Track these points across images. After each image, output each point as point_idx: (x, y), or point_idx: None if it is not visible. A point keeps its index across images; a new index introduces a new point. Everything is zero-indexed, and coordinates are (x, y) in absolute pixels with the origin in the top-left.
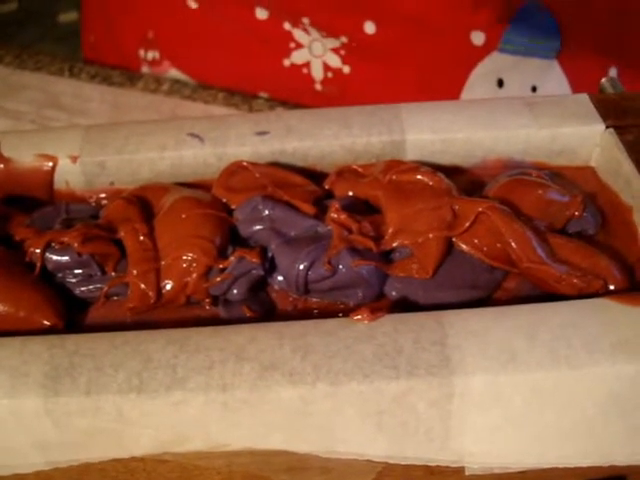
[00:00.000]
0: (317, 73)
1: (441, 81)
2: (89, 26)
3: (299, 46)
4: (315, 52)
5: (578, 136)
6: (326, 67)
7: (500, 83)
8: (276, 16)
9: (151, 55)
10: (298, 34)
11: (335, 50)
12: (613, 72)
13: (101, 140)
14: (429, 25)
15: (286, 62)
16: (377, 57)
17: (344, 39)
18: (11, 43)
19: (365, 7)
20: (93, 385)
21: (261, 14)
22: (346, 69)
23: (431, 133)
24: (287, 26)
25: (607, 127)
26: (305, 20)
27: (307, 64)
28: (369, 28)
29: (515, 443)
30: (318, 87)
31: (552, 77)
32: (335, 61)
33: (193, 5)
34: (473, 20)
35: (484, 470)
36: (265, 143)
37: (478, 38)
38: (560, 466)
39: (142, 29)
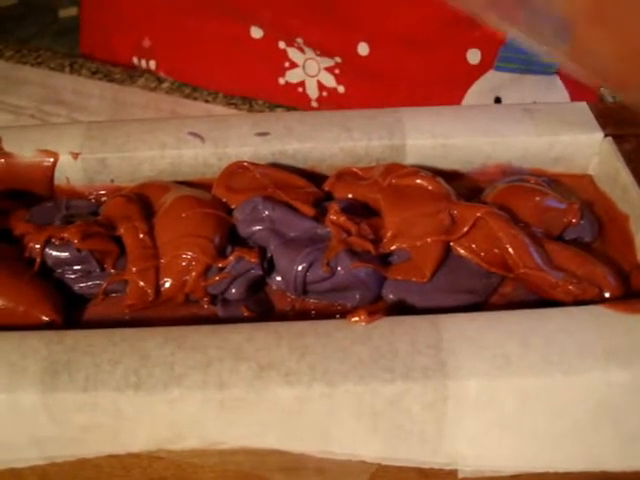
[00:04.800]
0: (312, 92)
1: (436, 101)
2: (86, 28)
3: (293, 65)
4: (309, 72)
5: (577, 144)
6: (321, 86)
7: (498, 101)
8: (271, 35)
9: (145, 64)
10: (293, 53)
11: (329, 69)
12: None
13: (102, 137)
14: (424, 44)
15: (281, 80)
16: (371, 77)
17: (338, 59)
18: (10, 38)
19: (358, 28)
20: (91, 381)
21: (256, 33)
22: (341, 89)
23: (431, 138)
24: (282, 45)
25: (606, 136)
26: (299, 40)
27: (302, 83)
28: (362, 49)
29: (507, 447)
30: (314, 104)
31: (553, 92)
32: (329, 80)
33: (189, 19)
34: (469, 38)
35: (476, 473)
36: (266, 144)
37: (474, 56)
38: (551, 471)
39: (137, 38)
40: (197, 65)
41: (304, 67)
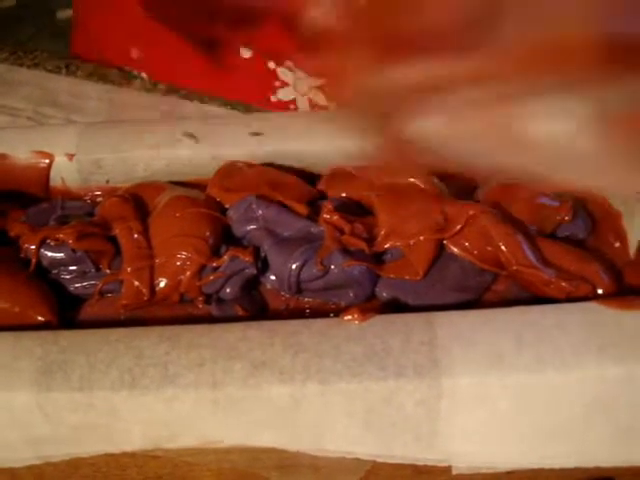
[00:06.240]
0: (304, 108)
1: None
2: (77, 33)
3: (284, 84)
4: (300, 90)
5: None
6: (312, 104)
7: None
8: (260, 55)
9: (137, 73)
10: (282, 72)
11: (320, 88)
12: None
13: (97, 138)
14: None
15: (273, 98)
16: None
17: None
18: (8, 39)
19: None
20: (85, 381)
21: (245, 53)
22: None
23: None
24: (271, 65)
25: None
26: (288, 62)
27: (293, 101)
28: None
29: (501, 444)
30: None
31: None
32: (321, 99)
33: (175, 32)
34: None
35: (471, 470)
36: (260, 144)
37: None
38: (546, 467)
39: (125, 48)
40: (189, 79)
41: (295, 85)
